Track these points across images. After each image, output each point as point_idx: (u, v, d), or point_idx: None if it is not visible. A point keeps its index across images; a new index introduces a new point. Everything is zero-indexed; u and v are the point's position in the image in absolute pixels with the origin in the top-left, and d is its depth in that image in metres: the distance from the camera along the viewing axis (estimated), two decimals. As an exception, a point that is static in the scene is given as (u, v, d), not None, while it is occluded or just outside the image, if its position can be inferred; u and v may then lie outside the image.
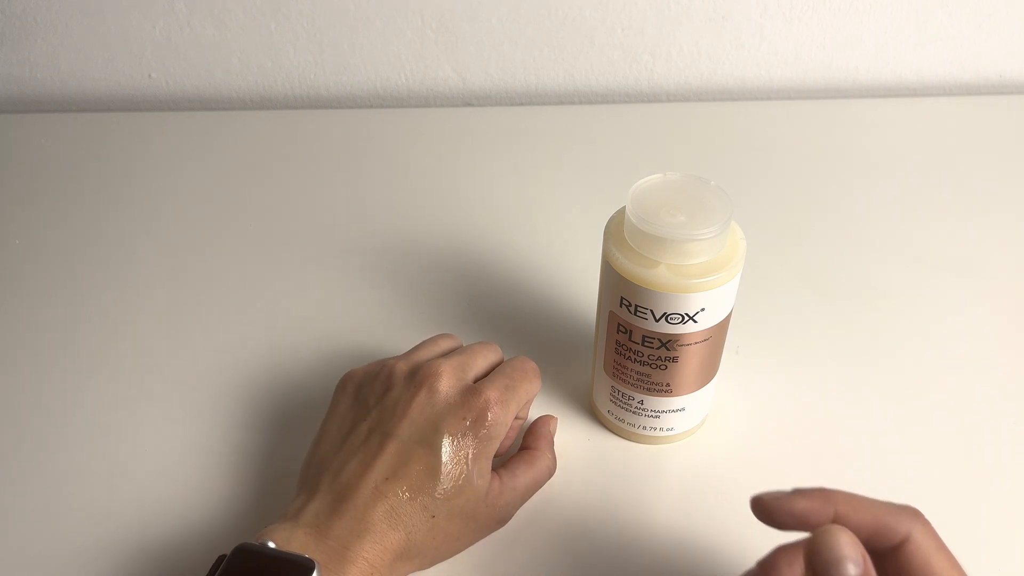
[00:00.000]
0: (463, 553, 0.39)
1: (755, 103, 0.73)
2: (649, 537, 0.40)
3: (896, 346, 0.50)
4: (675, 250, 0.36)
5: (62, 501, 0.42)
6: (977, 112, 0.71)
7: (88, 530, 0.41)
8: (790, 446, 0.44)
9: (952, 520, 0.41)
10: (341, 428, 0.39)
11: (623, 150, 0.67)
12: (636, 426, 0.43)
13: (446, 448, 0.36)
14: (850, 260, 0.56)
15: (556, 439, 0.43)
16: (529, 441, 0.42)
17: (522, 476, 0.39)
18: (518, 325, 0.51)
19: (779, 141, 0.68)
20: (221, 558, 0.34)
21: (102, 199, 0.62)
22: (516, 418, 0.40)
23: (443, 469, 0.36)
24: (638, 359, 0.40)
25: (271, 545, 0.33)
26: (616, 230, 0.39)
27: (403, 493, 0.35)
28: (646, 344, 0.39)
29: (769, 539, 0.40)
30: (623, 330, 0.39)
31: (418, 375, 0.38)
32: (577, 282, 0.54)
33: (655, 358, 0.40)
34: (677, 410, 0.42)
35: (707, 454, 0.44)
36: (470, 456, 0.37)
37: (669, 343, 0.39)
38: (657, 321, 0.38)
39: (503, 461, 0.40)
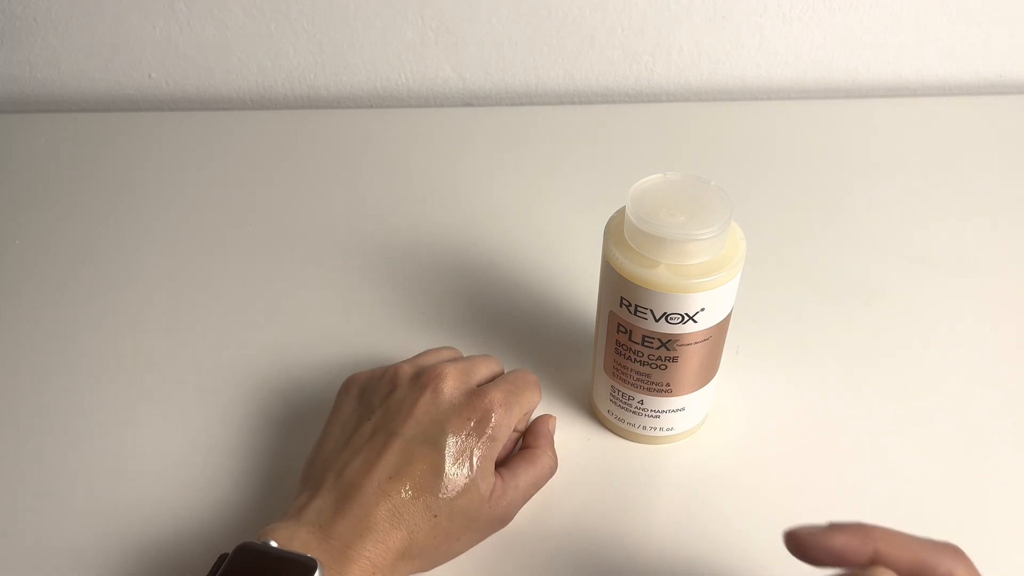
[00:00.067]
0: (464, 554, 0.39)
1: (755, 103, 0.73)
2: (649, 537, 0.40)
3: (896, 346, 0.50)
4: (675, 250, 0.36)
5: (63, 500, 0.42)
6: (977, 112, 0.71)
7: (90, 529, 0.41)
8: (790, 446, 0.44)
9: (952, 520, 0.41)
10: (345, 428, 0.39)
11: (623, 150, 0.67)
12: (636, 426, 0.43)
13: (450, 448, 0.36)
14: (850, 260, 0.56)
15: (556, 439, 0.43)
16: (529, 440, 0.42)
17: (523, 475, 0.39)
18: (518, 325, 0.51)
19: (779, 141, 0.68)
20: (223, 557, 0.34)
21: (102, 199, 0.62)
22: (514, 430, 0.40)
23: (446, 468, 0.36)
24: (638, 359, 0.40)
25: (273, 544, 0.33)
26: (616, 230, 0.39)
27: (406, 492, 0.35)
28: (646, 344, 0.39)
29: (768, 539, 0.40)
30: (623, 330, 0.39)
31: (423, 377, 0.39)
32: (577, 282, 0.54)
33: (655, 358, 0.40)
34: (677, 410, 0.42)
35: (707, 454, 0.44)
36: (473, 456, 0.37)
37: (669, 343, 0.39)
38: (657, 321, 0.38)
39: (503, 462, 0.40)
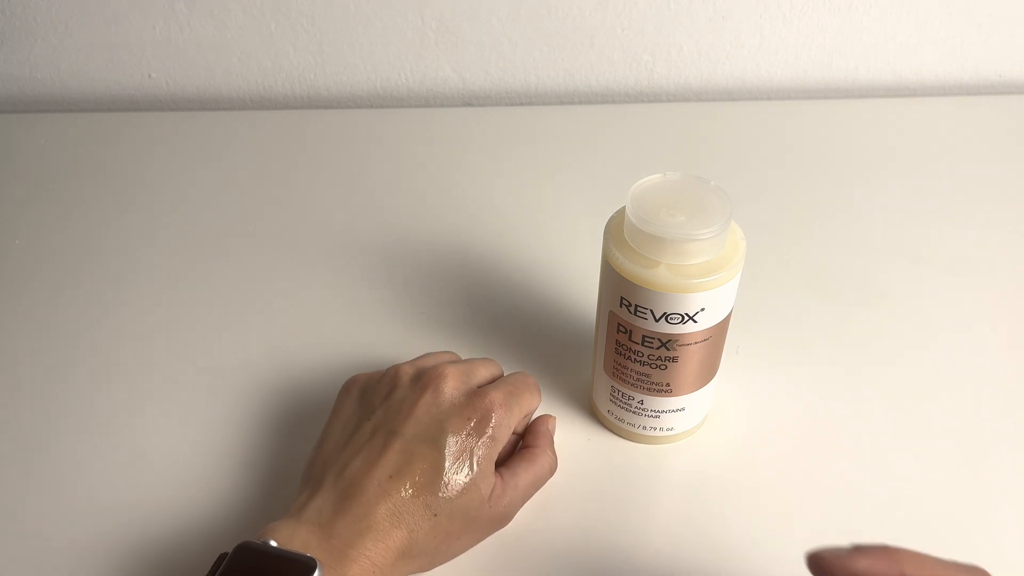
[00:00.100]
0: (464, 554, 0.39)
1: (755, 103, 0.73)
2: (649, 537, 0.40)
3: (896, 346, 0.50)
4: (675, 250, 0.36)
5: (65, 499, 0.42)
6: (977, 112, 0.71)
7: (91, 528, 0.41)
8: (790, 446, 0.44)
9: (953, 520, 0.41)
10: (346, 428, 0.39)
11: (623, 150, 0.67)
12: (636, 426, 0.43)
13: (450, 447, 0.36)
14: (850, 260, 0.56)
15: (556, 439, 0.43)
16: (529, 440, 0.42)
17: (523, 475, 0.39)
18: (518, 325, 0.51)
19: (779, 141, 0.68)
20: (222, 556, 0.34)
21: (102, 199, 0.62)
22: (513, 432, 0.41)
23: (446, 467, 0.36)
24: (638, 359, 0.40)
25: (272, 544, 0.33)
26: (616, 230, 0.39)
27: (406, 491, 0.35)
28: (646, 344, 0.39)
29: (768, 539, 0.41)
30: (623, 330, 0.39)
31: (424, 377, 0.39)
32: (577, 282, 0.54)
33: (655, 358, 0.40)
34: (677, 410, 0.42)
35: (707, 454, 0.44)
36: (473, 456, 0.37)
37: (669, 343, 0.39)
38: (657, 321, 0.38)
39: (503, 463, 0.40)
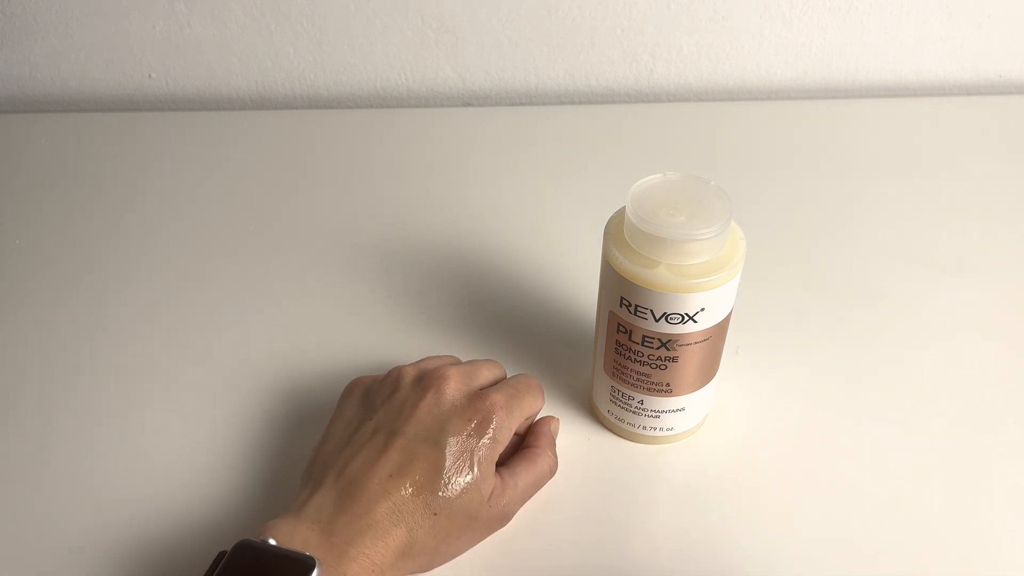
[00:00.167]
0: (464, 554, 0.39)
1: (755, 103, 0.73)
2: (649, 537, 0.40)
3: (896, 346, 0.50)
4: (675, 250, 0.36)
5: (65, 498, 0.42)
6: (977, 112, 0.71)
7: (91, 526, 0.41)
8: (790, 446, 0.44)
9: (953, 520, 0.41)
10: (347, 428, 0.39)
11: (623, 150, 0.67)
12: (636, 426, 0.43)
13: (451, 447, 0.37)
14: (850, 260, 0.56)
15: (556, 439, 0.43)
16: (530, 440, 0.42)
17: (523, 475, 0.39)
18: (518, 325, 0.51)
19: (779, 141, 0.68)
20: (222, 554, 0.34)
21: (102, 199, 0.62)
22: (515, 434, 0.41)
23: (447, 467, 0.36)
24: (638, 359, 0.40)
25: (272, 542, 0.33)
26: (616, 230, 0.39)
27: (406, 490, 0.35)
28: (646, 344, 0.39)
29: (768, 539, 0.41)
30: (623, 330, 0.39)
31: (426, 379, 0.39)
32: (577, 282, 0.54)
33: (655, 358, 0.40)
34: (677, 410, 0.42)
35: (707, 454, 0.44)
36: (474, 457, 0.37)
37: (669, 343, 0.39)
38: (657, 321, 0.38)
39: (503, 463, 0.40)
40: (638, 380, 0.41)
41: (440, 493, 0.36)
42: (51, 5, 0.69)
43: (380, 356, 0.49)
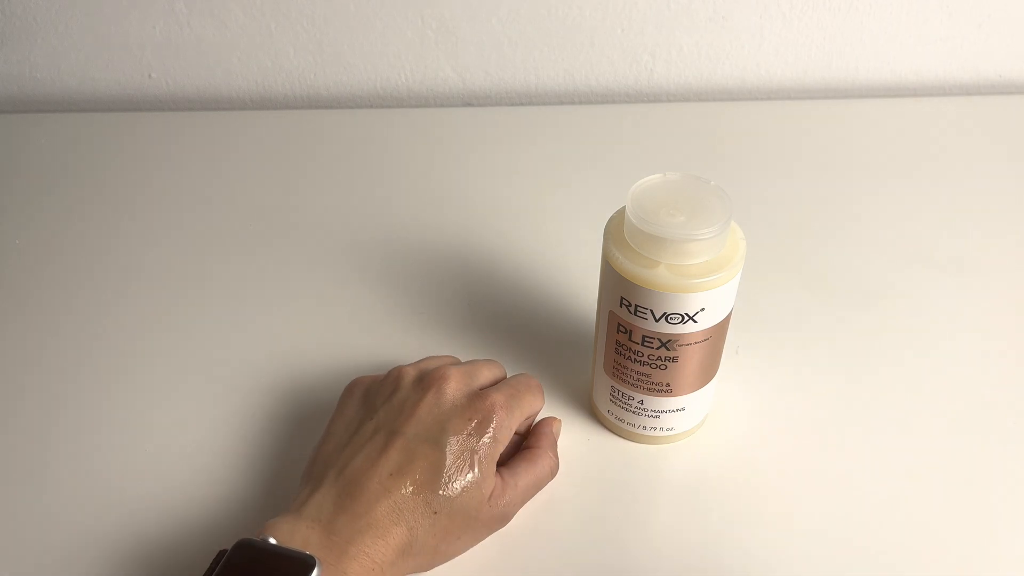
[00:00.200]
0: (464, 554, 0.39)
1: (755, 103, 0.73)
2: (649, 537, 0.40)
3: (896, 346, 0.50)
4: (675, 250, 0.36)
5: (66, 498, 0.42)
6: (977, 112, 0.71)
7: (91, 526, 0.41)
8: (790, 446, 0.44)
9: (953, 520, 0.41)
10: (348, 427, 0.39)
11: (623, 150, 0.67)
12: (636, 426, 0.43)
13: (451, 447, 0.37)
14: (850, 260, 0.56)
15: (557, 440, 0.43)
16: (531, 441, 0.42)
17: (523, 475, 0.39)
18: (518, 325, 0.51)
19: (779, 141, 0.68)
20: (222, 553, 0.34)
21: (102, 199, 0.62)
22: (516, 434, 0.41)
23: (447, 466, 0.36)
24: (638, 359, 0.40)
25: (272, 541, 0.33)
26: (616, 230, 0.39)
27: (407, 489, 0.35)
28: (646, 344, 0.39)
29: (768, 539, 0.41)
30: (623, 330, 0.39)
31: (426, 379, 0.39)
32: (577, 282, 0.54)
33: (655, 358, 0.40)
34: (677, 410, 0.42)
35: (707, 454, 0.44)
36: (474, 456, 0.37)
37: (669, 343, 0.39)
38: (657, 321, 0.38)
39: (504, 463, 0.40)
40: (638, 380, 0.41)
41: (440, 492, 0.36)
42: (51, 5, 0.69)
43: (380, 356, 0.49)
